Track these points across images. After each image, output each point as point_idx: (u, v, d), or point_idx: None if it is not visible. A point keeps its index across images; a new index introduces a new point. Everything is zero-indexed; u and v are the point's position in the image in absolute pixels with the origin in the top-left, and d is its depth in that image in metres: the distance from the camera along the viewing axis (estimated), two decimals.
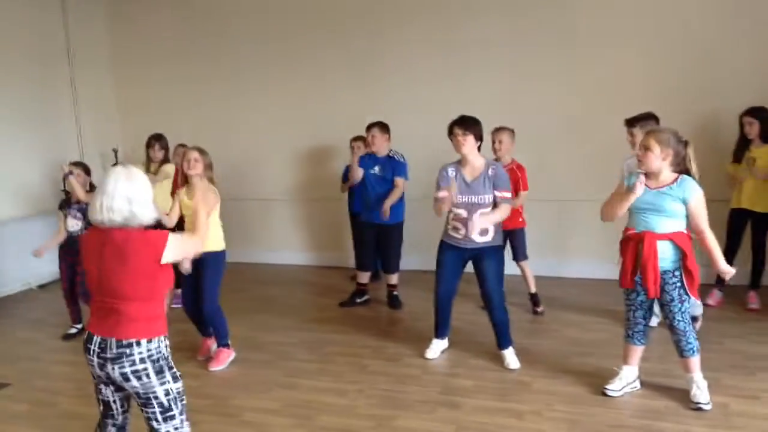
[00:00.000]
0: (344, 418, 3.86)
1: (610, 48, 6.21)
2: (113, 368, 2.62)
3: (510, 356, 4.50)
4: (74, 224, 5.30)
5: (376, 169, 5.76)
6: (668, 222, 3.66)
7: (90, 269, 2.70)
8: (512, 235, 5.39)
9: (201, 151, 4.53)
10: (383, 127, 5.76)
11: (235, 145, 7.65)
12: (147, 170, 5.98)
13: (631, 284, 3.80)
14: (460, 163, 4.45)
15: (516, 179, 5.19)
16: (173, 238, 2.67)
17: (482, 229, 4.34)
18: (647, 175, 3.69)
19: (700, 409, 3.73)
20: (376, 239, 5.90)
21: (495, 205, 4.37)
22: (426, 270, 6.48)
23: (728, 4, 5.89)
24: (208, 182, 4.52)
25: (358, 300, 6.06)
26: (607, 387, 3.98)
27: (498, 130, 5.28)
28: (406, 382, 4.33)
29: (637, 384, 4.04)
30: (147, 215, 2.67)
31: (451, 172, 4.43)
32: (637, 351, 4.00)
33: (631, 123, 4.75)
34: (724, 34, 5.91)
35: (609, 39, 6.21)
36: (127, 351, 2.60)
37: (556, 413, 3.80)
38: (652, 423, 3.65)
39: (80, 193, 5.24)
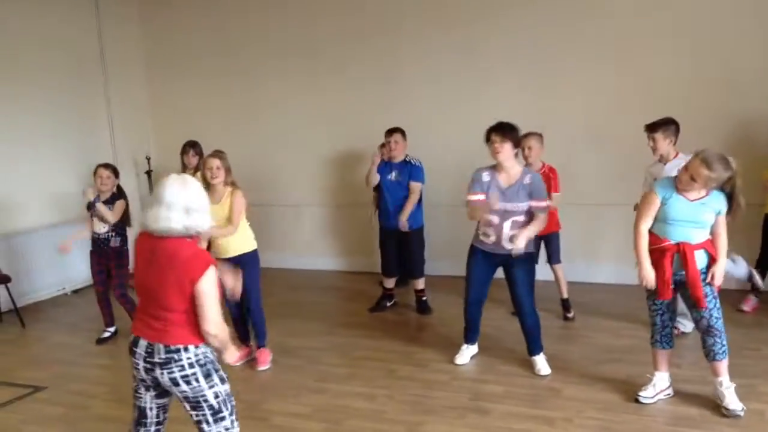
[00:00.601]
0: (373, 423, 3.86)
1: (638, 52, 6.12)
2: (162, 373, 2.63)
3: (541, 362, 4.46)
4: (100, 226, 5.36)
5: (393, 175, 5.76)
6: (702, 233, 3.66)
7: (139, 273, 2.72)
8: (548, 239, 5.38)
9: (220, 158, 4.62)
10: (404, 132, 5.79)
11: (265, 152, 7.72)
12: None
13: (671, 294, 3.74)
14: (496, 168, 4.36)
15: (548, 182, 5.15)
16: (213, 273, 2.62)
17: (513, 236, 4.28)
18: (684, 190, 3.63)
19: (737, 416, 3.66)
20: (398, 245, 5.91)
21: (529, 213, 4.30)
22: (453, 275, 6.46)
23: (763, 8, 5.78)
24: (233, 186, 4.63)
25: (388, 304, 6.08)
26: (639, 394, 3.93)
27: (526, 136, 5.20)
28: (435, 387, 4.32)
29: (670, 391, 3.97)
30: (204, 223, 2.68)
31: (486, 176, 4.34)
32: (666, 355, 3.94)
33: (652, 129, 4.68)
34: (754, 37, 5.79)
35: (635, 43, 6.12)
36: (176, 356, 2.62)
37: (587, 420, 3.76)
38: (685, 430, 3.60)
39: (108, 216, 5.31)
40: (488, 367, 4.59)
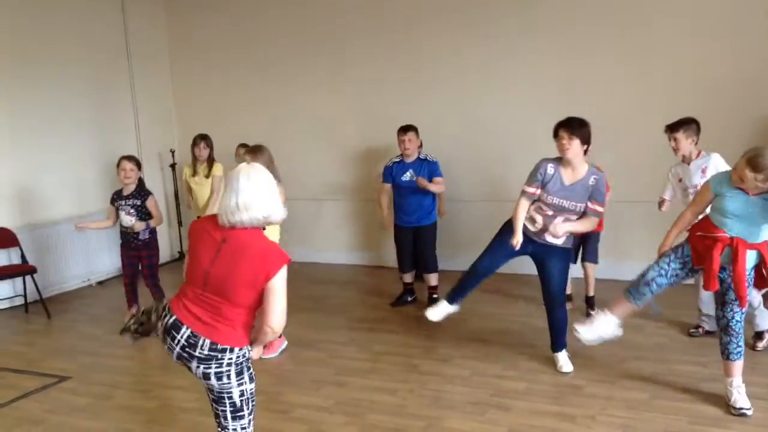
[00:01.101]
0: (394, 417, 3.87)
1: (666, 47, 6.03)
2: (198, 366, 2.59)
3: (563, 359, 4.42)
4: (128, 220, 5.39)
5: (408, 174, 5.74)
6: (760, 232, 3.56)
7: (199, 260, 2.62)
8: (588, 236, 5.27)
9: (258, 152, 4.59)
10: (417, 130, 5.77)
11: (287, 146, 7.70)
12: (194, 169, 6.14)
13: (717, 287, 3.65)
14: (561, 162, 4.18)
15: None
16: (286, 269, 2.57)
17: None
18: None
19: (743, 414, 3.64)
20: (413, 241, 5.89)
21: (584, 214, 4.18)
22: None
23: None
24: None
25: (409, 299, 6.08)
26: (575, 325, 3.99)
27: None
28: (456, 382, 4.31)
29: (611, 335, 3.95)
30: (281, 210, 2.65)
31: (550, 168, 4.16)
32: (626, 307, 3.94)
33: (673, 129, 4.60)
34: None
35: (658, 41, 6.04)
36: (218, 355, 2.56)
37: (610, 418, 3.73)
38: (709, 429, 3.56)
39: (154, 223, 5.46)
40: (510, 363, 4.57)
